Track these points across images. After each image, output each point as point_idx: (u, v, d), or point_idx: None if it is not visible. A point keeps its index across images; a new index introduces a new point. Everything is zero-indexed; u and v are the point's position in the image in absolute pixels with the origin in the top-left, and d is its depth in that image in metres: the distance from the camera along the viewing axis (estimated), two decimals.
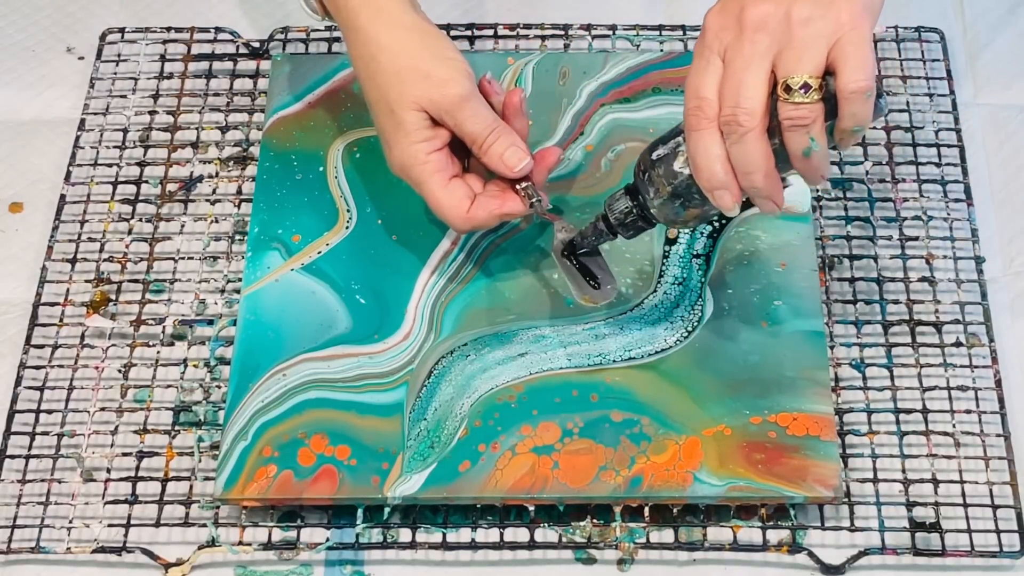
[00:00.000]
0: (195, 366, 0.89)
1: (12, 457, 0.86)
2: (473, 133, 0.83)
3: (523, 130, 0.85)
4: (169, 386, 0.88)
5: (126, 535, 0.84)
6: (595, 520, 0.83)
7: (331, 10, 0.87)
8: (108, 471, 0.86)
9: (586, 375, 0.85)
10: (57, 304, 0.91)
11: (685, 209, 0.78)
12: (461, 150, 0.85)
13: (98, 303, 0.91)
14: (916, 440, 0.86)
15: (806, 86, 0.71)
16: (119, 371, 0.89)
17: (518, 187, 0.84)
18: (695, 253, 0.89)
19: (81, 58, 1.04)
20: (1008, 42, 1.03)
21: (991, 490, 0.84)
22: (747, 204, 0.76)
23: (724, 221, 0.90)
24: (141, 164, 0.97)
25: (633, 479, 0.82)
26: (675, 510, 0.83)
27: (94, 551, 0.83)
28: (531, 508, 0.83)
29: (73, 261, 0.93)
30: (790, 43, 0.71)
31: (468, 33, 1.02)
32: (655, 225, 0.81)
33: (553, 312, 0.88)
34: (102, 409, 0.87)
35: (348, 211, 0.92)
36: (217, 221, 0.95)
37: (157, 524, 0.84)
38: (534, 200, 0.84)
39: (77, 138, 0.99)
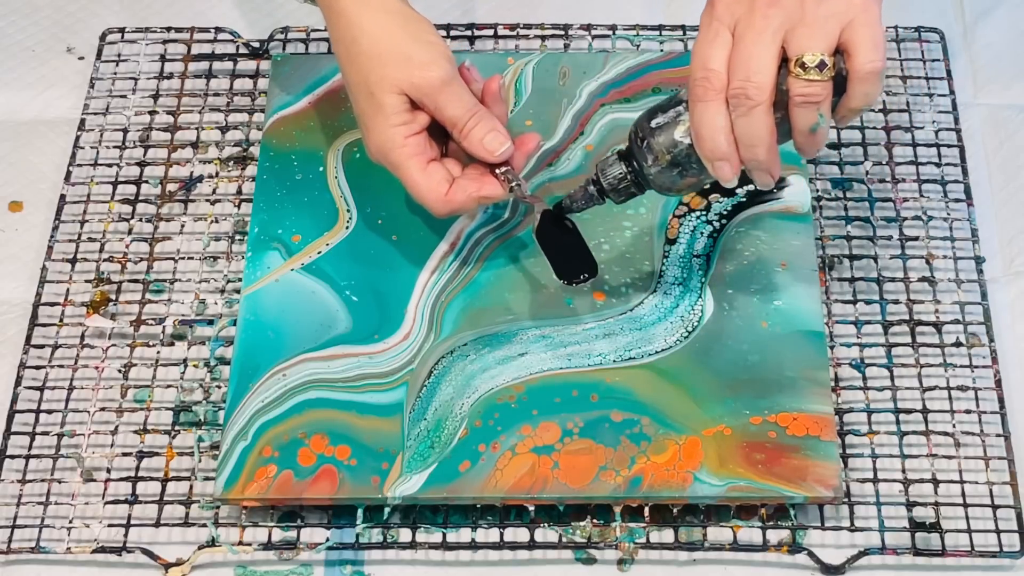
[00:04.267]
0: (195, 366, 0.89)
1: (12, 457, 0.86)
2: (453, 117, 0.82)
3: (502, 116, 0.85)
4: (169, 386, 0.88)
5: (126, 535, 0.84)
6: (595, 520, 0.83)
7: None
8: (108, 471, 0.86)
9: (586, 375, 0.85)
10: (57, 304, 0.91)
11: (682, 178, 0.78)
12: (439, 135, 0.85)
13: (98, 303, 0.91)
14: (916, 440, 0.86)
15: (822, 64, 0.71)
16: (119, 371, 0.89)
17: (497, 172, 0.84)
18: (695, 253, 0.89)
19: (81, 58, 1.04)
20: (1008, 42, 1.03)
21: (991, 490, 0.84)
22: (743, 178, 0.76)
23: (716, 191, 0.89)
24: (141, 164, 0.97)
25: (633, 479, 0.82)
26: (675, 510, 0.83)
27: (94, 551, 0.83)
28: (531, 508, 0.83)
29: (73, 261, 0.93)
30: (803, 20, 0.72)
31: (468, 33, 1.02)
32: (645, 191, 0.80)
33: (553, 312, 0.87)
34: (102, 409, 0.87)
35: (348, 211, 0.92)
36: (217, 221, 0.95)
37: (157, 524, 0.84)
38: (514, 184, 0.83)
39: (77, 138, 0.98)
